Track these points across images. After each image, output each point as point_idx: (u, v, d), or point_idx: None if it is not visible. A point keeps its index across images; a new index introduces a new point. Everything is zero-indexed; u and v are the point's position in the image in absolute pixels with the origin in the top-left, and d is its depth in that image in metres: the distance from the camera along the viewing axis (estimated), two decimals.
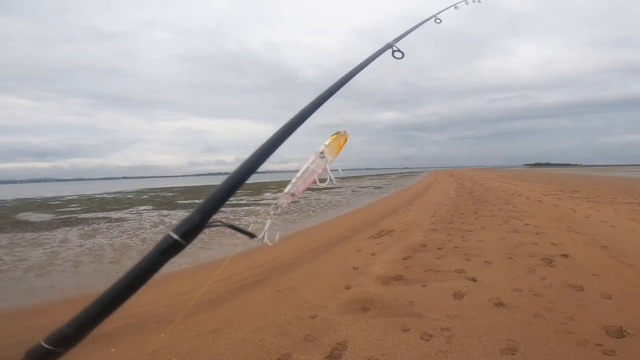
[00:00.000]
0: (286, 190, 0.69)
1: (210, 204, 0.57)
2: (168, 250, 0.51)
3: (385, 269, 3.92)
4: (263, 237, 0.64)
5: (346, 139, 0.79)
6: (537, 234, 5.19)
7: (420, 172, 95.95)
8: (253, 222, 0.65)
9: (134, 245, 9.02)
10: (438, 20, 1.70)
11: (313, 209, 15.05)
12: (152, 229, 12.07)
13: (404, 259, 4.28)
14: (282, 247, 6.85)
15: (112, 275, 6.35)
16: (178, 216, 15.24)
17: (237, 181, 0.60)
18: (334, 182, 0.75)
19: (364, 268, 4.08)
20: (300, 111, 0.77)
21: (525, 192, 12.83)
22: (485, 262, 3.95)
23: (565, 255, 4.06)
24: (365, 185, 32.10)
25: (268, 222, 0.65)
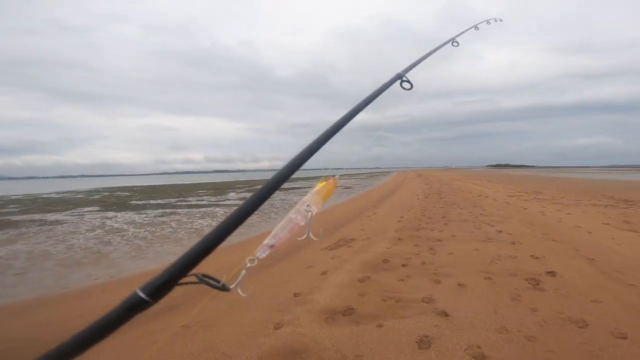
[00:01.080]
0: (265, 242, 0.66)
1: (181, 264, 0.54)
2: (133, 307, 0.50)
3: (334, 297, 2.98)
4: (236, 287, 0.60)
5: (336, 185, 0.79)
6: (513, 243, 4.51)
7: (389, 172, 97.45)
8: (226, 276, 0.59)
9: (55, 253, 7.65)
10: (455, 44, 1.67)
11: (276, 210, 13.99)
12: (87, 233, 10.50)
13: (360, 281, 3.37)
14: (222, 258, 5.77)
15: (10, 289, 5.09)
16: (125, 218, 13.57)
17: (214, 240, 0.56)
18: (313, 238, 0.74)
19: (307, 294, 3.13)
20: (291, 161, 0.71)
21: (491, 194, 12.57)
22: (458, 285, 3.13)
23: (552, 273, 3.35)
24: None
25: (243, 273, 0.61)
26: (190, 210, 15.62)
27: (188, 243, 8.34)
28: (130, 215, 14.87)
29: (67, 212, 16.20)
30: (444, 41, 1.60)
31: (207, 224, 11.40)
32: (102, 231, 10.86)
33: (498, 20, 2.40)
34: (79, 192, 34.66)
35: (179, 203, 19.22)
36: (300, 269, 4.16)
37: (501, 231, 5.26)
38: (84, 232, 10.80)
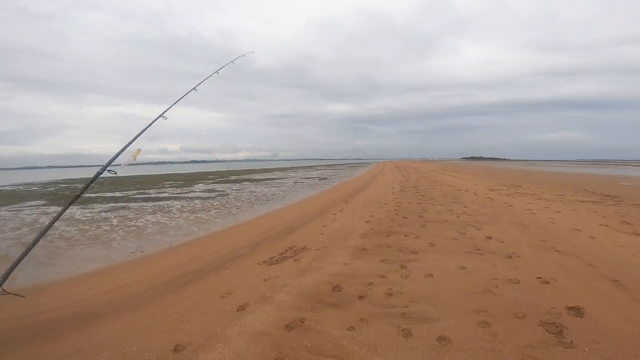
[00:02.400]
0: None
1: None
2: None
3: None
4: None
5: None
6: (509, 256, 3.42)
7: (369, 163, 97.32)
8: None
9: None
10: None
11: (241, 203, 12.58)
12: (9, 232, 8.74)
13: (288, 328, 2.13)
14: (138, 271, 4.40)
15: None
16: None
17: None
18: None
19: (194, 351, 1.87)
20: None
21: (470, 187, 11.71)
22: (439, 340, 1.96)
23: (577, 311, 2.25)
24: (310, 176, 30.13)
25: None
26: (144, 204, 13.87)
27: (118, 246, 6.85)
28: (72, 210, 12.95)
29: (7, 207, 14.05)
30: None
31: (154, 221, 9.86)
32: (27, 229, 9.11)
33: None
34: (35, 184, 31.53)
35: (136, 196, 17.34)
36: (214, 296, 2.88)
37: (490, 237, 4.18)
38: (7, 231, 9.03)
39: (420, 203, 7.20)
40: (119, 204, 14.13)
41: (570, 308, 2.33)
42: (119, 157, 2.70)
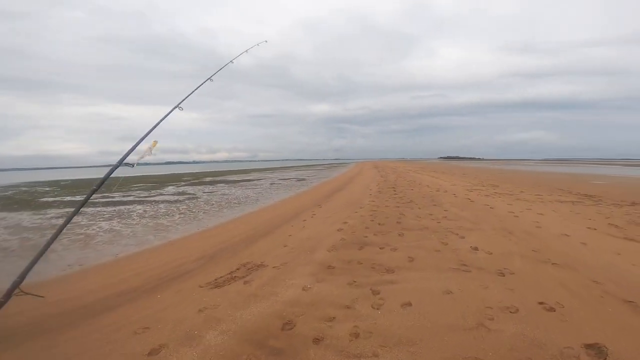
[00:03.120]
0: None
1: None
2: None
3: None
4: None
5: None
6: (502, 274, 2.86)
7: (348, 163, 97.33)
8: None
9: None
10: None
11: (209, 207, 11.66)
12: None
13: None
14: (57, 292, 3.54)
15: None
16: (11, 221, 10.38)
17: None
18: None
19: None
20: None
21: (449, 187, 11.39)
22: None
23: (600, 352, 1.69)
24: (288, 177, 29.31)
25: None
26: (103, 209, 12.61)
27: (56, 257, 5.86)
28: (22, 216, 11.59)
29: None
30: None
31: (107, 228, 8.83)
32: None
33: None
34: None
35: (98, 200, 15.94)
36: (127, 332, 2.14)
37: (476, 248, 3.64)
38: None
39: (399, 206, 6.65)
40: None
41: (588, 346, 1.78)
42: (135, 151, 2.70)
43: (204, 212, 10.51)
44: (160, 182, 28.87)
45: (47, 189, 25.81)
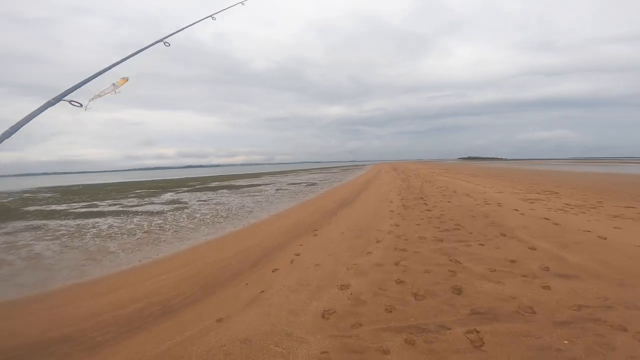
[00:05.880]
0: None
1: None
2: None
3: None
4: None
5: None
6: None
7: (364, 165, 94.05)
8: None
9: None
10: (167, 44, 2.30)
11: (188, 222, 9.36)
12: None
13: None
14: None
15: None
16: None
17: None
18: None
19: None
20: None
21: (496, 196, 8.61)
22: None
23: None
24: (299, 182, 26.92)
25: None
26: (66, 222, 10.56)
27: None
28: None
29: None
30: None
31: (38, 252, 6.70)
32: None
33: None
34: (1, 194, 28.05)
35: (73, 210, 14.06)
36: None
37: None
38: None
39: (442, 240, 4.01)
40: (39, 222, 10.89)
41: None
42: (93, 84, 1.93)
43: (173, 232, 8.16)
44: (162, 187, 27.16)
45: (48, 195, 24.55)
